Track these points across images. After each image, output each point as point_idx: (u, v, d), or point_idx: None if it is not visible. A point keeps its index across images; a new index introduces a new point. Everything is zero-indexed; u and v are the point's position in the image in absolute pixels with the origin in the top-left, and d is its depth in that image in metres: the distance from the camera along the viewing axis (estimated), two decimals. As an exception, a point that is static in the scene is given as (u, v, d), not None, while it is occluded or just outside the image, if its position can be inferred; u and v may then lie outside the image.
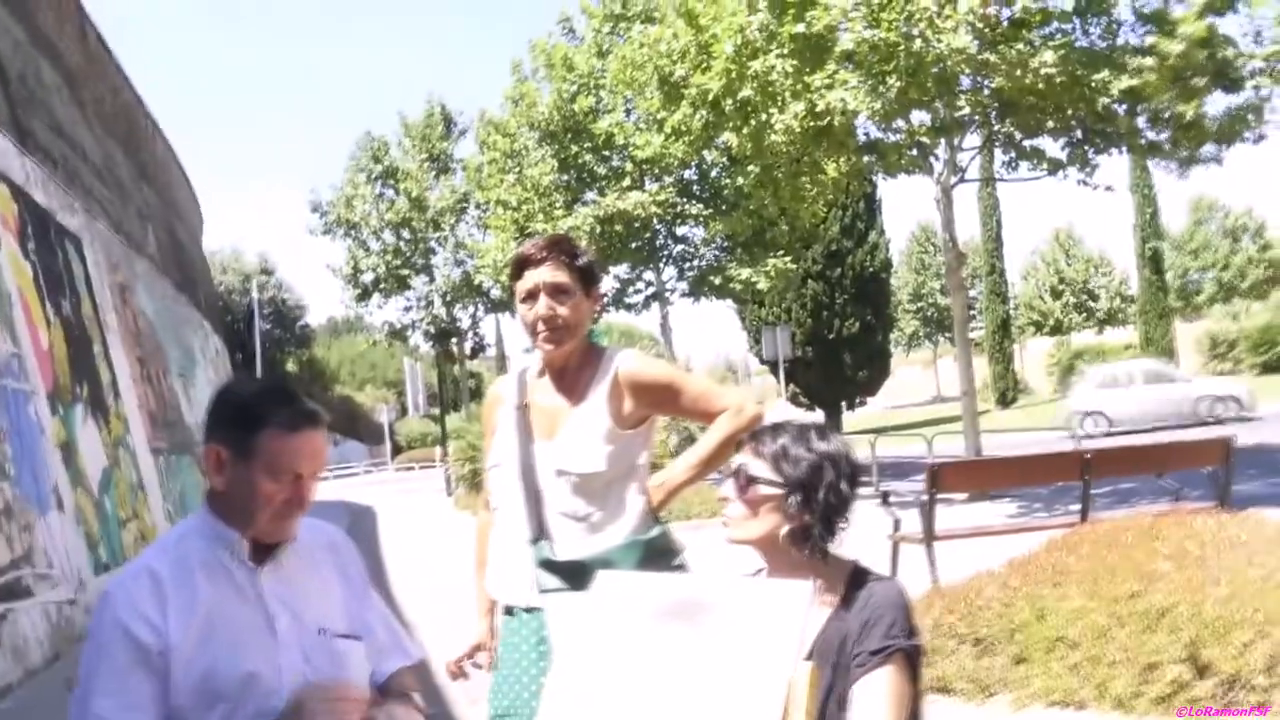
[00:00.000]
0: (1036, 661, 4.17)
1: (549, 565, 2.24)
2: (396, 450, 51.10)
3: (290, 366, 56.57)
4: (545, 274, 2.30)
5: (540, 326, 2.31)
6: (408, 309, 31.03)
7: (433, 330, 30.96)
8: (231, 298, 51.02)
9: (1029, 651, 4.22)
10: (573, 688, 1.53)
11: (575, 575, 2.16)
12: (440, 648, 2.67)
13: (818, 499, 1.73)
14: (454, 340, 31.33)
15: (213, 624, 1.63)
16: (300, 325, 60.23)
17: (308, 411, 1.71)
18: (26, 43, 11.23)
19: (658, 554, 2.27)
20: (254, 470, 1.66)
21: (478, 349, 32.52)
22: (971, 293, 37.80)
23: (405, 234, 30.26)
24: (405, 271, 30.36)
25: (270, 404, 1.69)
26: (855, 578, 1.76)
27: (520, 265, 2.35)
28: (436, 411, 34.24)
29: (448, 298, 30.22)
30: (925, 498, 6.95)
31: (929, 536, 6.87)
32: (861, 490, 1.83)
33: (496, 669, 2.36)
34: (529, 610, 2.29)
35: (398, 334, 31.82)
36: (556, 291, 2.29)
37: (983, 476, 8.83)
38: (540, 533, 2.28)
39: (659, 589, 1.59)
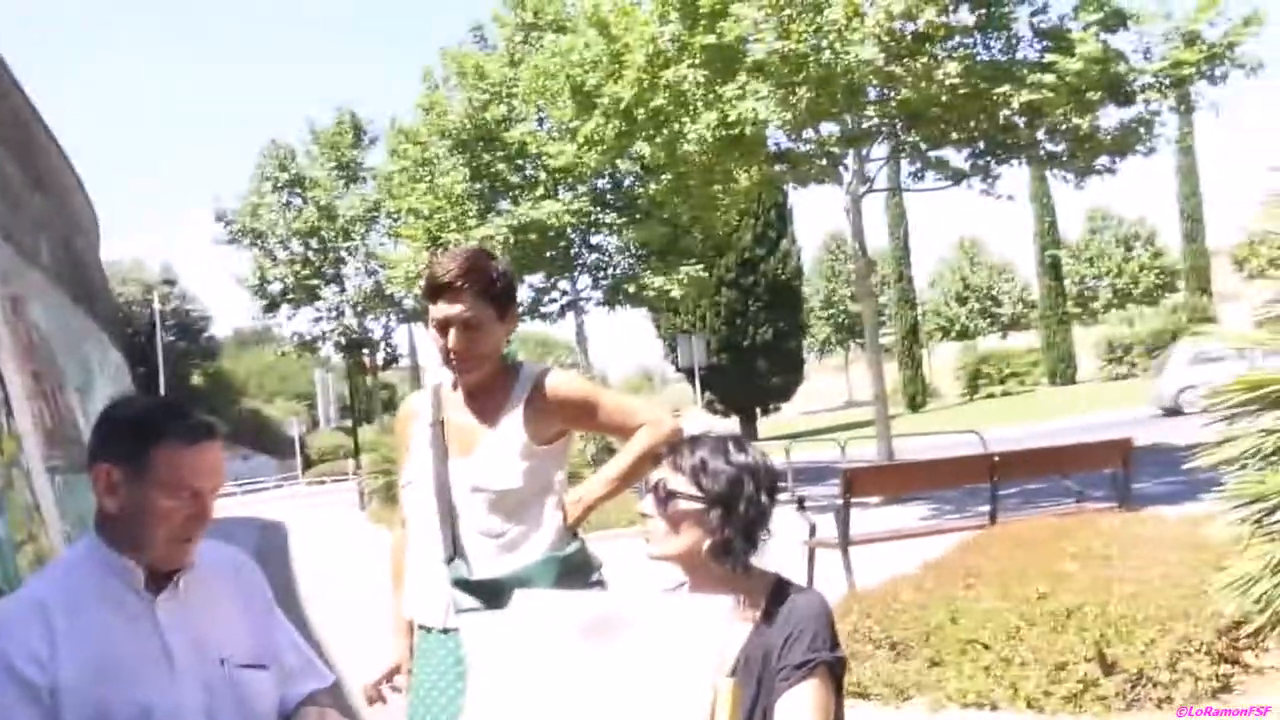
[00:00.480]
0: (950, 664, 4.24)
1: (464, 585, 2.19)
2: (308, 464, 49.95)
3: (196, 380, 55.02)
4: (458, 309, 2.21)
5: (452, 357, 2.26)
6: (318, 320, 30.44)
7: (344, 341, 30.41)
8: (132, 309, 49.37)
9: (943, 654, 4.29)
10: (491, 709, 1.50)
11: (492, 594, 2.12)
12: (356, 669, 2.59)
13: (738, 512, 1.72)
14: (366, 351, 30.80)
15: (105, 658, 1.54)
16: (206, 337, 58.73)
17: (205, 423, 1.63)
18: (-93, 44, 10.72)
19: (575, 570, 2.24)
20: (149, 488, 1.57)
21: (391, 360, 31.94)
22: (880, 300, 38.51)
23: (314, 243, 29.69)
24: (315, 281, 29.79)
25: (164, 417, 1.61)
26: (777, 591, 1.75)
27: (433, 291, 2.25)
28: (349, 424, 33.61)
29: (359, 308, 29.73)
30: (840, 502, 7.01)
31: (844, 541, 6.93)
32: (778, 496, 1.83)
33: (413, 691, 2.31)
34: (445, 631, 2.24)
35: (308, 345, 31.19)
36: (469, 327, 2.23)
37: (896, 481, 8.98)
38: (455, 551, 2.23)
39: (577, 607, 1.57)
